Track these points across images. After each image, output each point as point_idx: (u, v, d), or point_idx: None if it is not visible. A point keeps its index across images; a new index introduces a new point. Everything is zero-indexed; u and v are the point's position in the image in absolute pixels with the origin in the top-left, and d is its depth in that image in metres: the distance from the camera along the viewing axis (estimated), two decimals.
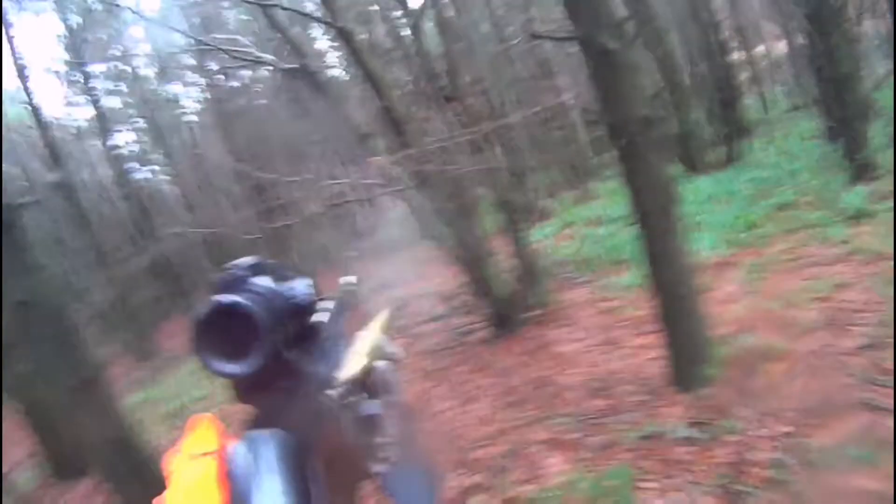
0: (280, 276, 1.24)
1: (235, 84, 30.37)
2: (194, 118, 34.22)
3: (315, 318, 1.30)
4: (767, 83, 31.08)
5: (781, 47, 27.39)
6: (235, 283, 1.16)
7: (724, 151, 18.89)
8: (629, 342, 8.98)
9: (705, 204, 13.66)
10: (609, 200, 17.62)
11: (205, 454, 1.03)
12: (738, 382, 6.75)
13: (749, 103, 24.53)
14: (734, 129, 18.88)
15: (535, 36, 12.84)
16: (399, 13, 14.60)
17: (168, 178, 34.42)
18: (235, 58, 11.62)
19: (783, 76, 28.07)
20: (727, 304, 8.84)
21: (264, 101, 29.71)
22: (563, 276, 12.67)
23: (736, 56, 23.99)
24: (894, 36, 15.16)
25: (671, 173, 6.96)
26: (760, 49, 31.21)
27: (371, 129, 10.84)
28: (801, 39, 17.10)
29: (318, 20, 12.13)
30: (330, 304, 1.46)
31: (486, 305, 11.21)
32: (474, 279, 10.90)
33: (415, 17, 12.16)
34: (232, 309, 1.07)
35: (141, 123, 31.95)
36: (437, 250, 11.72)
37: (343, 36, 10.34)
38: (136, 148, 33.56)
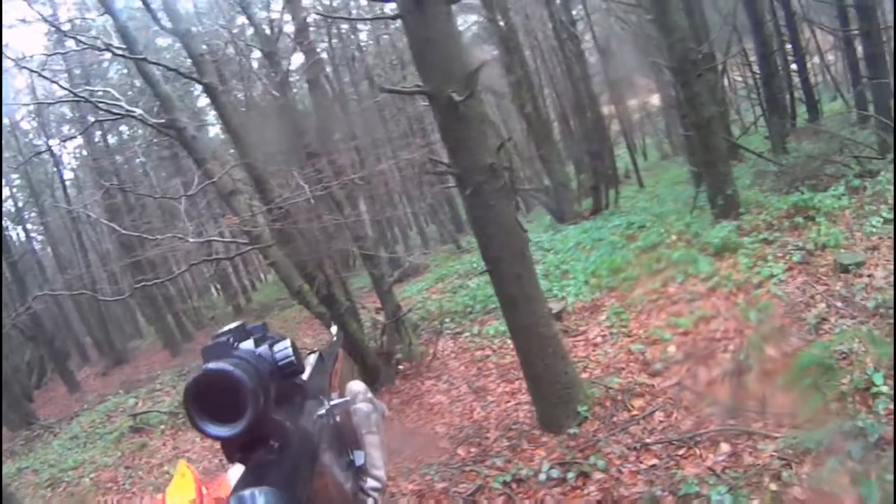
0: (261, 339, 1.25)
1: (112, 139, 29.65)
2: (70, 174, 33.11)
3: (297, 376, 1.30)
4: (640, 133, 31.93)
5: (654, 99, 28.14)
6: (221, 350, 1.17)
7: (592, 200, 19.27)
8: (497, 389, 9.01)
9: (572, 252, 13.85)
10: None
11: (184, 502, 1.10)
12: (604, 420, 6.78)
13: (621, 153, 25.21)
14: (603, 179, 19.22)
15: (384, 90, 12.74)
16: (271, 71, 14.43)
17: (41, 236, 33.20)
18: (105, 111, 11.28)
19: (656, 126, 28.82)
20: (595, 346, 8.95)
21: (140, 159, 29.03)
22: (434, 328, 12.65)
23: (607, 109, 24.51)
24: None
25: (519, 219, 7.00)
26: (634, 102, 32.06)
27: (236, 186, 10.55)
28: (670, 91, 17.60)
29: (183, 75, 11.89)
30: (311, 359, 1.55)
31: (354, 361, 10.78)
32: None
33: (281, 74, 12.02)
34: (219, 375, 1.08)
35: (15, 179, 30.77)
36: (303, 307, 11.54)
37: (208, 92, 10.29)
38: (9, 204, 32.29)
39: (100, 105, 11.02)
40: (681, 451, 5.85)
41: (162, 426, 14.46)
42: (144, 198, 23.55)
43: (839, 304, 7.34)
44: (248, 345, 1.22)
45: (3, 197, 31.64)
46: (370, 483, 1.44)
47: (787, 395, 6.01)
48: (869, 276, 7.67)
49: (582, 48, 22.44)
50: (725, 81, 24.80)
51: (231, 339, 1.21)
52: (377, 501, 1.43)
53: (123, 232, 14.67)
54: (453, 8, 6.35)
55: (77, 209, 24.85)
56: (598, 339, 9.15)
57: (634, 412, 6.80)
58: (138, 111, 11.07)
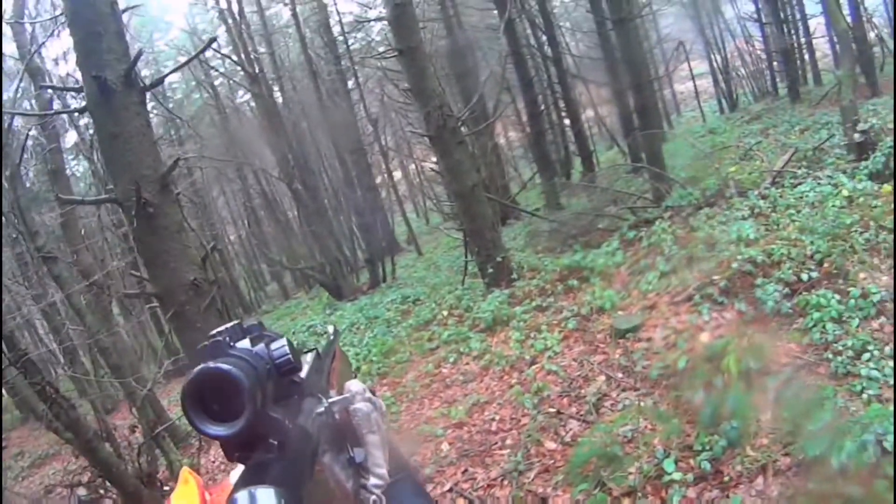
0: (258, 338, 1.26)
1: None
2: None
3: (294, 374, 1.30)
4: (422, 197, 32.13)
5: (431, 162, 28.34)
6: (217, 349, 1.19)
7: (369, 274, 18.96)
8: None
9: (344, 335, 12.98)
10: None
11: None
12: None
13: (401, 220, 25.11)
14: (377, 251, 18.97)
15: (62, 201, 11.70)
16: None
17: None
18: None
19: (434, 190, 28.95)
20: None
21: None
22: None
23: (380, 179, 24.43)
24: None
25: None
26: (412, 167, 32.20)
27: None
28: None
29: None
30: (309, 357, 1.56)
31: (115, 486, 9.51)
32: (94, 461, 9.25)
33: (11, 168, 10.79)
34: (216, 375, 1.09)
35: None
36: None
37: None
38: None
39: None
40: None
41: None
42: None
43: (619, 375, 6.78)
44: (244, 343, 1.23)
45: None
46: (373, 481, 1.43)
47: (569, 495, 5.29)
48: (647, 339, 7.22)
49: (355, 118, 22.22)
50: (502, 140, 25.09)
51: (227, 338, 1.22)
52: (381, 499, 1.43)
53: None
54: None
55: None
56: None
57: None
58: None
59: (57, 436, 9.60)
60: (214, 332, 1.26)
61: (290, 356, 1.22)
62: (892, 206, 7.41)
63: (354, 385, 1.53)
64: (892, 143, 8.97)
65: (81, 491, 11.15)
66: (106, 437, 9.78)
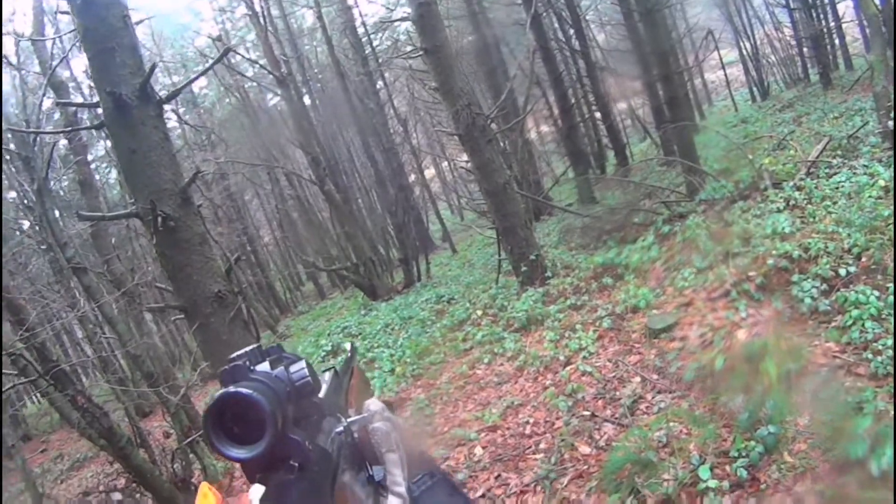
0: (277, 361, 1.24)
1: None
2: None
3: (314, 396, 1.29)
4: (456, 194, 31.93)
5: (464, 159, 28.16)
6: (238, 373, 1.17)
7: (404, 274, 18.78)
8: None
9: (380, 335, 12.91)
10: None
11: None
12: None
13: (434, 218, 24.90)
14: (412, 251, 18.82)
15: (82, 217, 11.70)
16: None
17: None
18: None
19: (468, 186, 28.74)
20: None
21: None
22: None
23: (413, 177, 24.24)
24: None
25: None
26: (445, 164, 32.03)
27: None
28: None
29: None
30: (327, 377, 1.53)
31: (150, 491, 9.58)
32: (128, 467, 9.40)
33: (38, 182, 10.87)
34: (237, 399, 1.08)
35: None
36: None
37: None
38: None
39: None
40: None
41: None
42: None
43: (655, 376, 6.66)
44: (264, 367, 1.22)
45: None
46: (392, 500, 1.39)
47: (603, 502, 5.16)
48: (682, 338, 7.08)
49: (385, 117, 22.13)
50: (534, 135, 24.89)
51: (247, 362, 1.21)
52: None
53: None
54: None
55: None
56: None
57: None
58: None
59: (91, 442, 9.65)
60: (234, 355, 1.22)
61: (309, 379, 1.21)
62: None
63: (374, 404, 1.52)
64: None
65: (117, 496, 11.16)
66: (140, 444, 9.89)
